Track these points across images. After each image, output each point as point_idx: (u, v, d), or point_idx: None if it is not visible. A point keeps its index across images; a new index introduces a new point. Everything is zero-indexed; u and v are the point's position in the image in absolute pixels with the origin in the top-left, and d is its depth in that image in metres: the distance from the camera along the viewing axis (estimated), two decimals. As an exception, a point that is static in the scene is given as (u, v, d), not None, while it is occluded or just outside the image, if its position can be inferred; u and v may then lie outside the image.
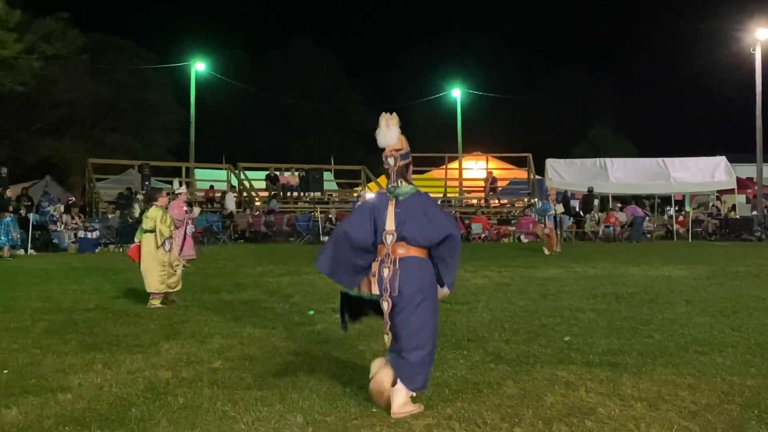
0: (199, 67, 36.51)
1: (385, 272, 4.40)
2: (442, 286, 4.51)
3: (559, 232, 18.89)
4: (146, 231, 9.08)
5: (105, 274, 13.01)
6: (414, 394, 4.45)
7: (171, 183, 28.46)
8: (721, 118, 60.61)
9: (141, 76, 40.34)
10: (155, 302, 8.89)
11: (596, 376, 5.15)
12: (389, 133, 4.52)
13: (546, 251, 17.89)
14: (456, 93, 42.90)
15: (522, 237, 26.03)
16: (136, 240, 9.42)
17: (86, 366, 5.59)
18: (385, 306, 4.40)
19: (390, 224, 4.43)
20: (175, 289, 9.16)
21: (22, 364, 5.69)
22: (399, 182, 4.54)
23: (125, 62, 38.80)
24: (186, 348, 6.26)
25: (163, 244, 8.95)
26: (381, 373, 4.43)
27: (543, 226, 18.54)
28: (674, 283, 11.11)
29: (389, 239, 4.42)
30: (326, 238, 23.97)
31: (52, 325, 7.44)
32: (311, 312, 8.09)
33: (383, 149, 4.59)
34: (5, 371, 5.44)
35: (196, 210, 15.66)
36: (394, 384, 4.37)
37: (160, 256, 8.95)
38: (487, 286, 10.67)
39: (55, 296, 9.83)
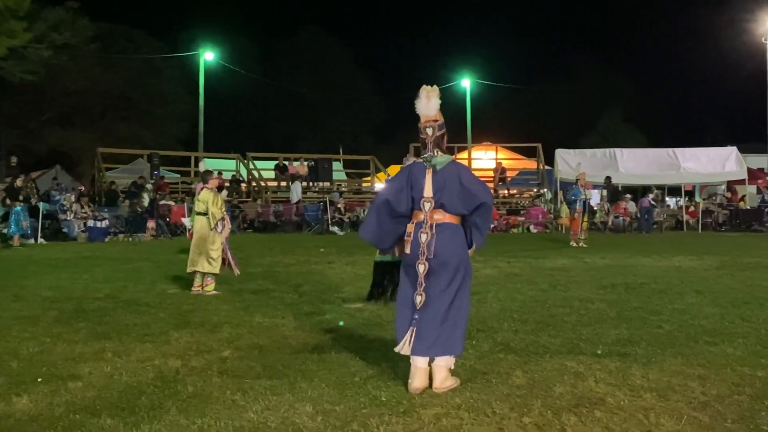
0: (208, 56, 36.51)
1: (423, 237, 4.63)
2: (470, 247, 4.77)
3: (586, 220, 18.64)
4: (198, 213, 9.26)
5: (115, 264, 13.06)
6: (453, 366, 4.67)
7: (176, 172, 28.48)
8: (733, 108, 60.26)
9: (151, 66, 40.37)
10: (209, 288, 9.05)
11: (605, 367, 5.13)
12: (430, 104, 4.78)
13: (573, 243, 17.68)
14: (465, 83, 42.82)
15: (531, 227, 26.00)
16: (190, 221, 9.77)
17: (96, 355, 5.61)
18: (422, 269, 4.62)
19: (428, 191, 4.66)
20: (214, 272, 9.27)
21: (32, 352, 5.70)
22: (435, 152, 4.77)
23: (135, 52, 38.88)
24: (196, 337, 6.28)
25: (216, 225, 9.09)
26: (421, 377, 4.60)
27: (575, 212, 18.21)
28: (684, 274, 11.07)
29: (427, 206, 4.66)
30: (335, 228, 24.17)
31: (63, 314, 7.47)
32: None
33: (419, 120, 4.83)
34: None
35: (223, 193, 15.75)
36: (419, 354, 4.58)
37: (212, 237, 9.11)
38: (496, 277, 10.65)
39: (65, 285, 9.88)
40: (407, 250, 4.70)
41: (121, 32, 39.86)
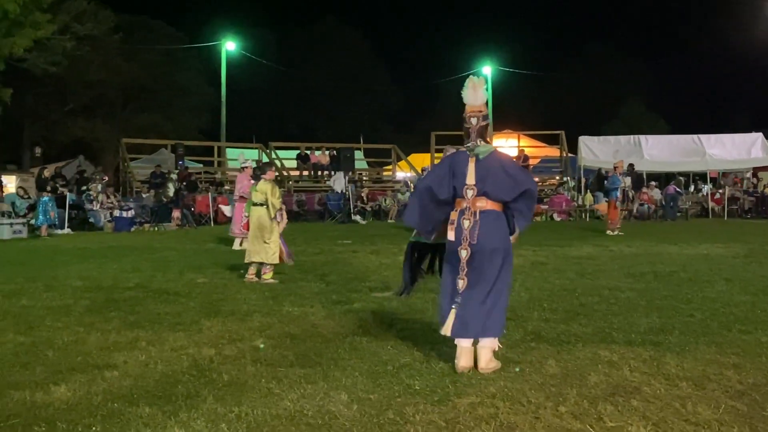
0: (230, 46, 36.54)
1: (466, 223, 4.78)
2: (512, 233, 4.90)
3: (623, 208, 18.53)
4: (255, 204, 9.37)
5: (142, 253, 13.17)
6: (497, 348, 4.83)
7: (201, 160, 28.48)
8: (757, 93, 59.27)
9: (171, 57, 40.52)
10: (267, 277, 9.18)
11: (639, 355, 5.10)
12: (477, 94, 4.93)
13: (609, 231, 17.45)
14: (486, 70, 42.55)
15: (554, 215, 25.88)
16: (245, 214, 10.04)
17: (130, 344, 5.67)
18: (464, 254, 4.77)
19: (471, 179, 4.80)
20: (273, 262, 9.40)
21: (67, 342, 5.77)
22: (479, 141, 4.88)
23: (155, 42, 38.99)
24: (227, 326, 6.32)
25: (276, 215, 9.24)
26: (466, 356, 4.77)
27: (616, 200, 17.98)
28: (712, 262, 10.98)
29: (470, 193, 4.80)
30: (357, 217, 24.21)
31: (94, 304, 7.55)
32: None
33: (464, 110, 4.97)
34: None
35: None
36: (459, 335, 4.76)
37: (271, 227, 9.23)
38: (522, 265, 10.57)
39: (94, 275, 9.97)
40: (451, 237, 4.83)
41: (141, 23, 40.03)
